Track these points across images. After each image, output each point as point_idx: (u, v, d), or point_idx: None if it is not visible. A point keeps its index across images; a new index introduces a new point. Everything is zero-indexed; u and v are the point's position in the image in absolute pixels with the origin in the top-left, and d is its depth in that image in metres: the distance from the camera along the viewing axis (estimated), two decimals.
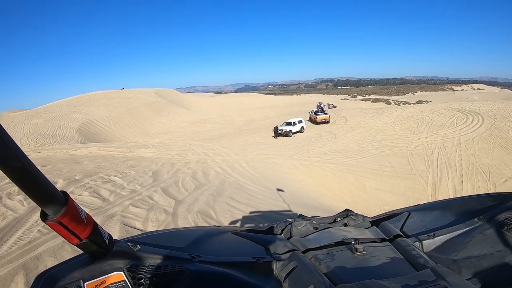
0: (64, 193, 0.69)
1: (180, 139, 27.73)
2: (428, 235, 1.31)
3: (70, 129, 31.48)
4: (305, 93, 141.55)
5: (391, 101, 70.59)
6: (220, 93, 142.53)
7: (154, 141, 20.81)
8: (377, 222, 1.55)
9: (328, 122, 27.97)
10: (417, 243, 1.29)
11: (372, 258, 1.18)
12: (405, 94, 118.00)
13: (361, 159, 16.79)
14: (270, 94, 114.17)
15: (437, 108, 26.52)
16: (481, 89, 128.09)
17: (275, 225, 1.53)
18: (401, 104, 61.55)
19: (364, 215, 1.62)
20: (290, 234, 1.46)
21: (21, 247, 3.96)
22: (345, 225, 1.55)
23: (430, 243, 1.28)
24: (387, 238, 1.37)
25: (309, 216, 1.67)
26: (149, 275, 0.90)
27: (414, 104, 56.01)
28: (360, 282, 0.84)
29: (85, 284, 0.81)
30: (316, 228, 1.50)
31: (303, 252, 1.25)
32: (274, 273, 1.14)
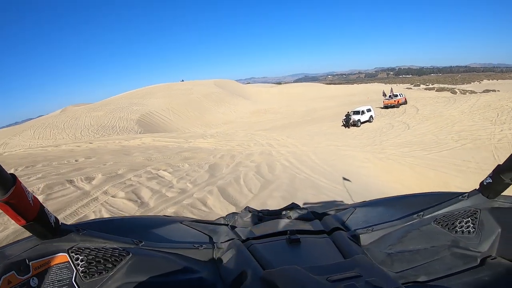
0: (13, 175, 0.72)
1: (241, 129, 26.56)
2: (366, 230, 1.28)
3: (130, 120, 32.25)
4: (366, 83, 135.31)
5: (456, 90, 63.54)
6: (280, 83, 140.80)
7: (213, 131, 19.78)
8: (321, 216, 1.54)
9: (395, 107, 28.54)
10: (354, 237, 1.29)
11: (306, 248, 1.20)
12: (470, 83, 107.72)
13: (440, 152, 15.03)
14: (330, 84, 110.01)
15: None
16: None
17: (223, 217, 1.55)
18: (467, 93, 54.81)
19: (310, 209, 1.62)
20: (236, 224, 1.46)
21: None
22: (289, 217, 1.54)
23: (367, 237, 1.25)
24: (326, 231, 1.35)
25: (258, 209, 1.67)
26: (92, 257, 0.91)
27: (480, 93, 49.32)
28: (281, 267, 0.86)
29: (31, 263, 0.84)
30: (261, 220, 1.50)
31: (244, 241, 1.25)
32: (213, 259, 1.16)
